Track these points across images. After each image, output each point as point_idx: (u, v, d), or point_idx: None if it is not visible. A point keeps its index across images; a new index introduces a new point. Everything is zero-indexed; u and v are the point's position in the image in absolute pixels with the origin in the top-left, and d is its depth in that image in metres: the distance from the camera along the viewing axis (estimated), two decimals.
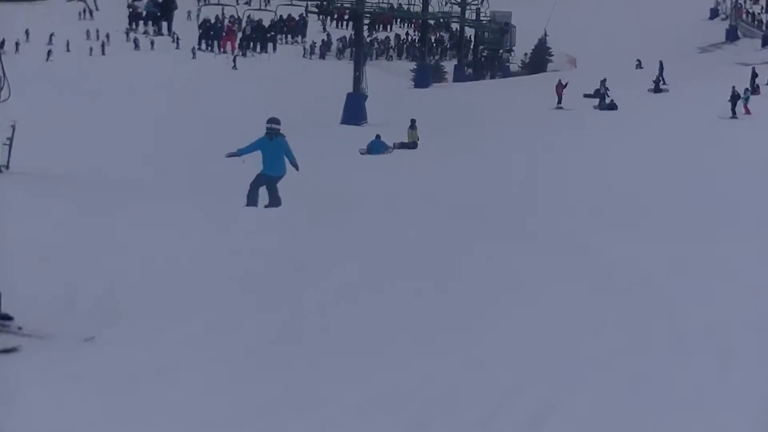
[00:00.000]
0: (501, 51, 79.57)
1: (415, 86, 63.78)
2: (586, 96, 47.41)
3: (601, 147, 30.74)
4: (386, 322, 8.76)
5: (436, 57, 77.93)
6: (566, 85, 47.25)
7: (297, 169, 17.33)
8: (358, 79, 44.63)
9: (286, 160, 17.34)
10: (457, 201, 19.11)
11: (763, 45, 77.01)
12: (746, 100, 41.08)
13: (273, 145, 17.19)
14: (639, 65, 63.76)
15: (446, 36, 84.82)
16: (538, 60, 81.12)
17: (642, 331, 8.48)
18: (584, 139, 33.17)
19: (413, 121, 34.83)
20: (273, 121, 17.54)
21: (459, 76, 71.60)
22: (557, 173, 24.10)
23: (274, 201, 17.11)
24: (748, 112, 40.52)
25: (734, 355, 7.76)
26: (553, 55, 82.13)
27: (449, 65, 75.56)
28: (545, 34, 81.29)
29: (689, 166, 25.03)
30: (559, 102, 46.61)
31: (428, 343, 8.18)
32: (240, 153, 17.34)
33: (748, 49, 76.47)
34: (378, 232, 14.04)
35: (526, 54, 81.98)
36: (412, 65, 70.80)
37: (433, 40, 79.43)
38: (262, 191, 17.18)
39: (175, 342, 8.03)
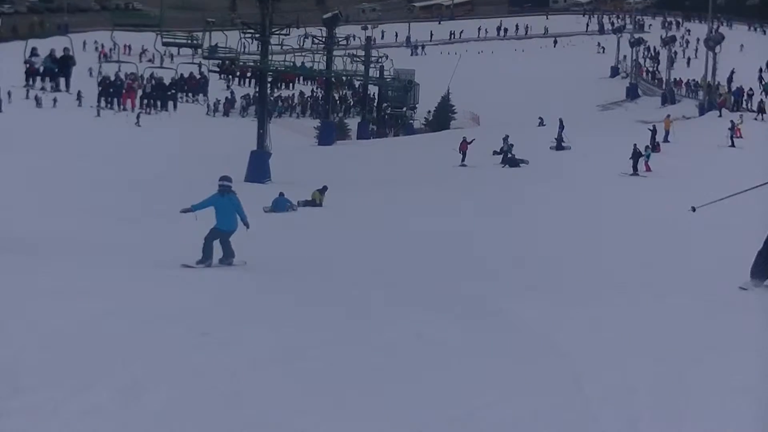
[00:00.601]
0: (405, 108, 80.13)
1: (319, 143, 64.03)
2: (495, 153, 47.85)
3: (505, 206, 31.03)
4: (297, 391, 8.70)
5: (340, 114, 78.35)
6: (471, 141, 47.67)
7: (247, 226, 18.05)
8: (261, 137, 44.58)
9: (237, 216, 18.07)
10: (362, 264, 19.11)
11: (663, 103, 78.76)
12: (647, 157, 41.87)
13: (225, 202, 18.03)
14: (541, 123, 64.76)
15: (350, 93, 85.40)
16: (442, 117, 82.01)
17: (549, 397, 8.52)
18: (488, 198, 33.43)
19: (325, 187, 34.55)
20: (225, 179, 18.40)
21: (363, 133, 71.99)
22: (462, 234, 24.16)
23: (228, 253, 18.00)
24: (648, 169, 41.32)
25: (640, 421, 7.85)
26: (456, 112, 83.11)
27: (353, 122, 75.98)
28: (448, 92, 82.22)
29: (594, 225, 25.38)
30: (463, 160, 46.98)
31: (341, 407, 8.16)
32: (193, 209, 18.26)
33: (649, 107, 78.19)
34: (288, 298, 14.04)
35: (429, 111, 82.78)
36: (316, 122, 71.06)
37: (336, 98, 79.90)
38: (216, 245, 17.93)
39: (81, 411, 7.88)
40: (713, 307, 12.56)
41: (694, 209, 16.51)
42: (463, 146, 47.62)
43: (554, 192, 34.15)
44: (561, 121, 53.54)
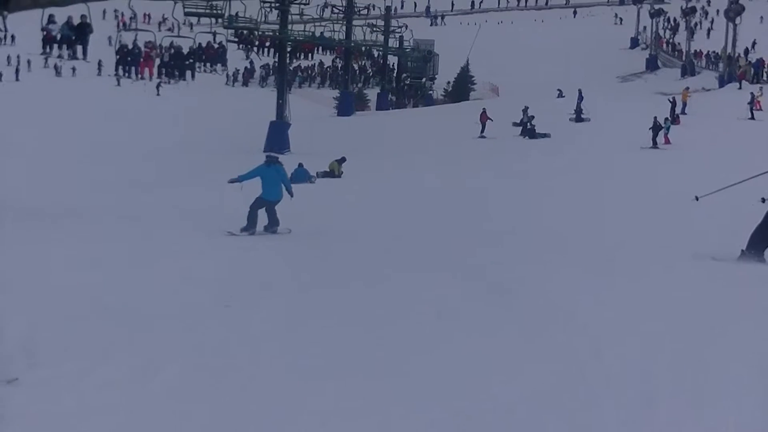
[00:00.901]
0: (424, 79, 79.95)
1: (339, 114, 64.02)
2: (515, 124, 47.68)
3: (524, 177, 30.96)
4: (305, 361, 8.74)
5: (360, 85, 78.24)
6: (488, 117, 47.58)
7: (291, 195, 18.98)
8: (281, 107, 44.54)
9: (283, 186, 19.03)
10: (382, 232, 19.16)
11: (683, 75, 78.34)
12: (667, 129, 41.68)
13: (270, 172, 19.00)
14: (560, 94, 64.48)
15: (369, 64, 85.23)
16: (461, 88, 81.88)
17: (568, 367, 8.52)
18: (506, 166, 33.42)
19: (343, 158, 34.52)
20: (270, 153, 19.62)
21: (382, 104, 71.88)
22: (480, 203, 24.17)
23: (273, 222, 18.79)
24: (668, 141, 41.14)
25: (659, 392, 7.85)
26: (475, 83, 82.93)
27: (372, 93, 75.88)
28: (467, 63, 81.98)
29: (611, 198, 25.26)
30: (483, 131, 46.88)
31: (362, 379, 8.19)
32: (240, 179, 19.37)
33: (668, 79, 77.80)
34: (306, 264, 14.13)
35: (448, 82, 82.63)
36: (336, 93, 70.98)
37: (356, 68, 79.76)
38: (262, 213, 18.74)
39: (98, 385, 7.94)
40: (722, 278, 12.59)
41: (697, 198, 16.39)
42: (483, 117, 47.54)
43: (573, 163, 34.07)
44: (580, 92, 53.29)
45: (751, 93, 52.35)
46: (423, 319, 10.42)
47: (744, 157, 33.62)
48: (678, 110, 50.07)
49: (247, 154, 39.43)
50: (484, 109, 49.23)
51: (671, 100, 50.70)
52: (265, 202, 18.79)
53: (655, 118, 41.47)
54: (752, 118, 48.90)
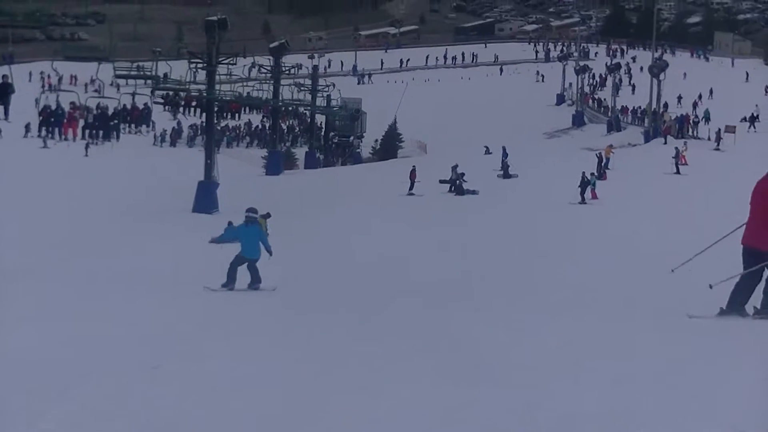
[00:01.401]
0: (352, 137, 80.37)
1: (267, 173, 63.96)
2: (441, 182, 47.99)
3: (455, 231, 31.20)
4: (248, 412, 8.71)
5: (288, 144, 78.35)
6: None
7: (270, 254, 19.80)
8: (209, 167, 44.38)
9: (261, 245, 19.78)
10: (315, 290, 19.35)
11: (609, 130, 79.44)
12: (593, 185, 42.17)
13: (249, 232, 19.93)
14: (487, 151, 65.10)
15: (297, 123, 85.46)
16: (389, 146, 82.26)
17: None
18: (441, 225, 33.66)
19: (268, 214, 34.59)
20: (251, 210, 20.31)
21: (310, 163, 72.06)
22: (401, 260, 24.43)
23: (255, 279, 19.69)
24: (595, 197, 41.64)
25: None
26: (403, 141, 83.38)
27: (301, 152, 76.00)
28: (395, 121, 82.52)
29: (546, 251, 25.50)
30: (411, 188, 47.16)
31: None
32: (219, 240, 21.46)
33: (595, 134, 78.79)
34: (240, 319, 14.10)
35: (376, 140, 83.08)
36: (264, 152, 71.00)
37: (284, 127, 79.96)
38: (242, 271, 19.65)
39: None
40: (666, 329, 12.60)
41: (673, 270, 15.94)
42: (413, 175, 47.86)
43: (501, 218, 34.39)
44: (504, 149, 53.85)
45: (676, 148, 53.23)
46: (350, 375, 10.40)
47: (671, 210, 34.47)
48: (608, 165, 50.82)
49: (176, 213, 39.40)
50: (414, 166, 49.53)
51: (598, 155, 51.46)
52: (245, 259, 19.74)
53: (583, 173, 41.87)
54: (677, 172, 49.65)
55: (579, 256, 24.22)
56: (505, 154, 53.41)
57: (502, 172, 51.86)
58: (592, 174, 43.82)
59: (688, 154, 52.43)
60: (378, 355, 11.33)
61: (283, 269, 21.32)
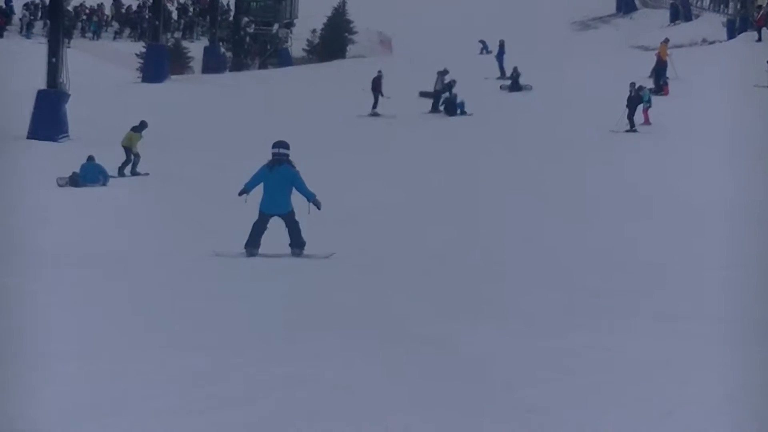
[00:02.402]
0: (276, 26, 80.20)
1: (144, 80, 63.24)
2: (423, 95, 47.96)
3: (444, 173, 31.47)
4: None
5: (176, 34, 78.07)
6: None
7: (317, 205, 19.81)
8: (54, 68, 44.01)
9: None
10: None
11: (673, 19, 79.27)
12: (648, 103, 42.30)
13: (273, 177, 19.75)
14: (484, 48, 65.23)
15: (191, 1, 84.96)
16: (334, 41, 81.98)
17: None
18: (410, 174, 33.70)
19: (143, 123, 34.68)
20: (278, 145, 20.12)
21: (212, 64, 71.25)
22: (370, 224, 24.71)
23: (296, 242, 19.81)
24: (647, 121, 42.00)
25: None
26: (356, 32, 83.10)
27: (197, 47, 75.69)
28: (344, 2, 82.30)
29: (573, 209, 25.81)
30: (375, 105, 47.07)
31: None
32: (247, 188, 20.14)
33: (650, 25, 78.72)
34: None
35: (314, 31, 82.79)
36: (140, 47, 70.56)
37: (172, 8, 79.60)
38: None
39: None
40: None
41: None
42: (377, 85, 47.91)
43: (515, 160, 34.52)
44: (501, 45, 54.05)
45: None
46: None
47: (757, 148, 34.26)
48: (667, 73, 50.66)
49: (3, 141, 38.89)
50: (379, 72, 49.05)
51: (657, 56, 51.38)
52: (263, 216, 19.79)
53: (632, 85, 41.89)
54: None
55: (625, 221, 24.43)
56: (501, 52, 53.64)
57: (508, 83, 51.76)
58: (641, 87, 43.58)
59: None
60: None
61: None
